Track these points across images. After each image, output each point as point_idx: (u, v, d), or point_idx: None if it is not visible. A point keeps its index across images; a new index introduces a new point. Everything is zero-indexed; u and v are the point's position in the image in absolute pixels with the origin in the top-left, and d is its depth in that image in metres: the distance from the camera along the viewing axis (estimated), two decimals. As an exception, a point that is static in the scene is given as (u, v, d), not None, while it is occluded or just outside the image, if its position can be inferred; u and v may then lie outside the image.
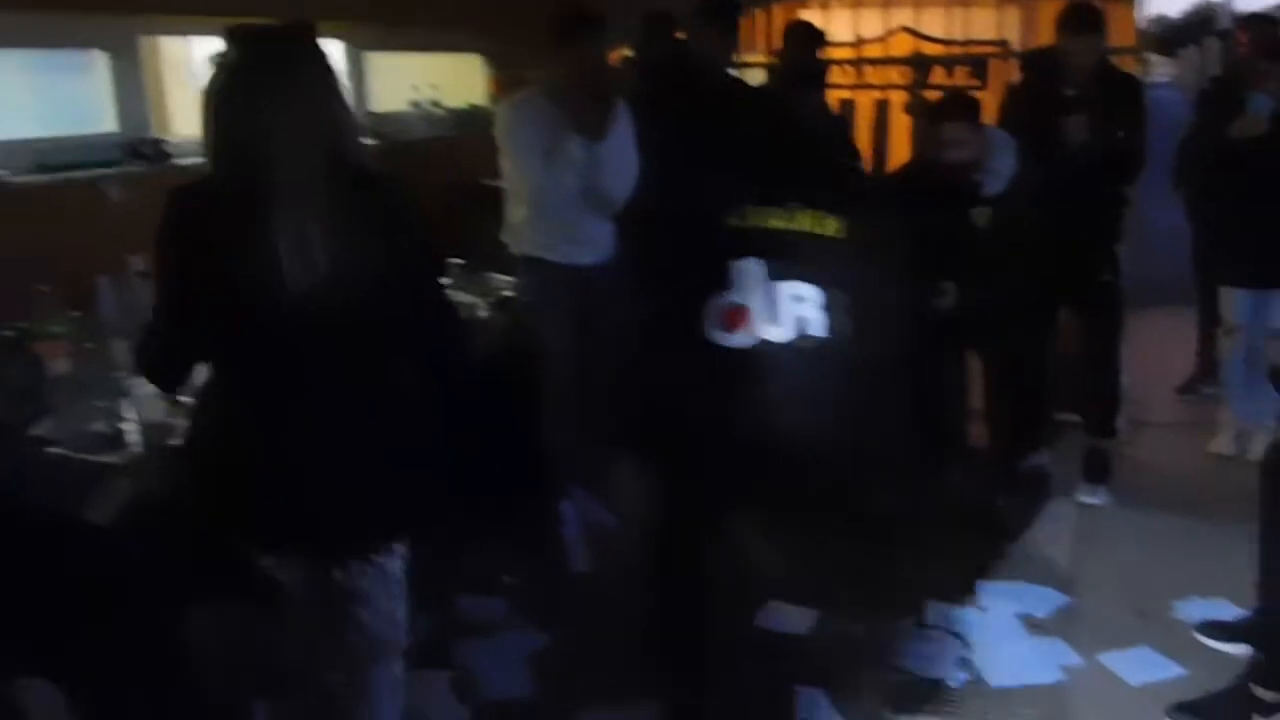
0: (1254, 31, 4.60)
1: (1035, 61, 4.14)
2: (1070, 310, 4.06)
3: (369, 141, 4.15)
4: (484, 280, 3.83)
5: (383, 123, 4.49)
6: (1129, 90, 3.92)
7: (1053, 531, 3.81)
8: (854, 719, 2.79)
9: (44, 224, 3.02)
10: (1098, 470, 4.06)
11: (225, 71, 1.89)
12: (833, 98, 4.47)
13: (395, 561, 2.14)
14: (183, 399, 2.42)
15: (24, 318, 2.81)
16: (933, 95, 4.75)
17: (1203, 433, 4.53)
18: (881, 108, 4.89)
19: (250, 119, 1.84)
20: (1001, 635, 3.16)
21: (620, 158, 3.36)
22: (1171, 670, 2.95)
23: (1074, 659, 3.03)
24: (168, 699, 2.16)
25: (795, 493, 2.45)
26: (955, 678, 2.95)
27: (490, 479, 2.75)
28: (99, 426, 2.56)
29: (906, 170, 4.01)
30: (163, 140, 3.50)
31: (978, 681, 2.94)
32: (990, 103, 4.06)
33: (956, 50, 4.78)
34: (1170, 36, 6.49)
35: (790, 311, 2.37)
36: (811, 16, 4.54)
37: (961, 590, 3.37)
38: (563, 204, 3.33)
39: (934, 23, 5.03)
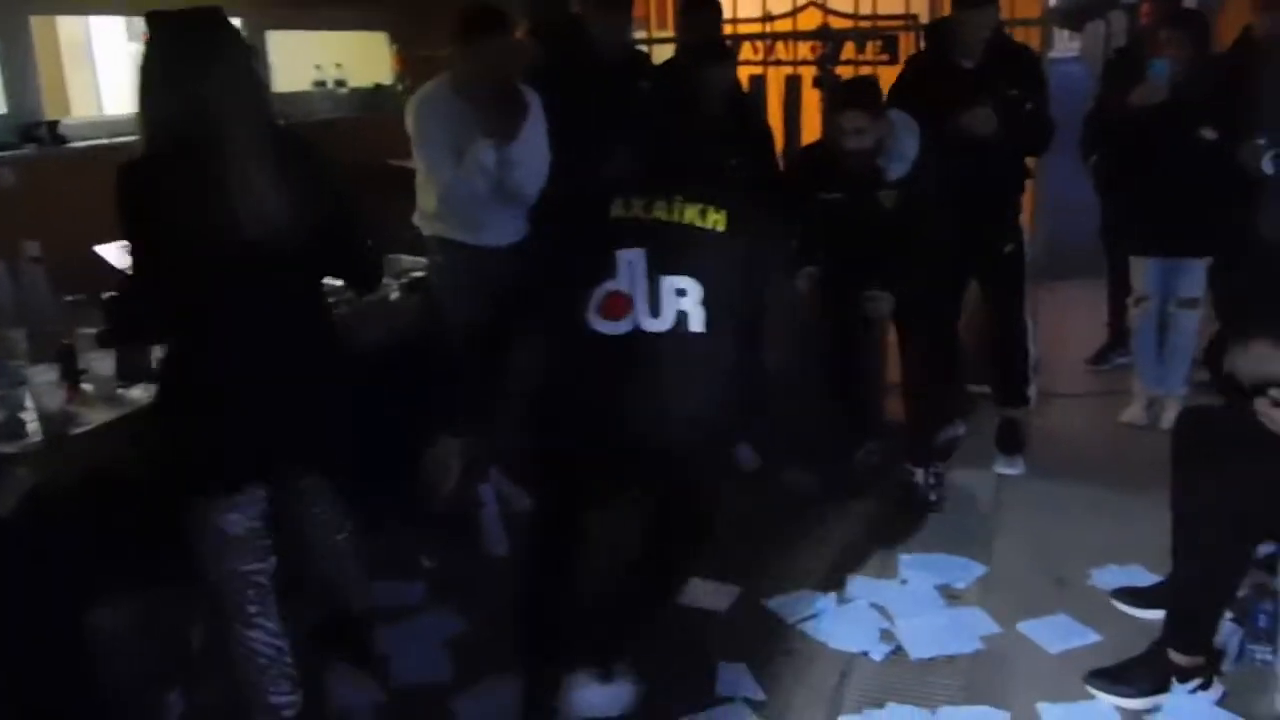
0: (1158, 2, 4.67)
1: (933, 33, 4.13)
2: (976, 281, 4.08)
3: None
4: (393, 262, 3.74)
5: (286, 103, 4.35)
6: (1025, 61, 3.92)
7: (970, 503, 3.84)
8: (775, 694, 2.77)
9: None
10: (1011, 440, 4.09)
11: (156, 54, 2.16)
12: (743, 74, 4.41)
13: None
14: (84, 386, 2.55)
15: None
16: (844, 71, 4.74)
17: (1116, 402, 4.60)
18: (793, 84, 4.86)
19: (186, 93, 2.11)
20: (921, 606, 3.17)
21: (532, 156, 3.25)
22: (1089, 637, 2.98)
23: (993, 628, 3.05)
24: (71, 687, 2.33)
25: (666, 479, 2.51)
26: (876, 650, 2.95)
27: (401, 459, 2.69)
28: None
29: (812, 151, 4.00)
30: (58, 122, 3.34)
31: (898, 653, 2.95)
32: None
33: (865, 25, 4.76)
34: (1076, 10, 6.55)
35: (671, 304, 2.42)
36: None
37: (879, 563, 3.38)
38: (473, 201, 3.24)
39: (842, -2, 5.03)
